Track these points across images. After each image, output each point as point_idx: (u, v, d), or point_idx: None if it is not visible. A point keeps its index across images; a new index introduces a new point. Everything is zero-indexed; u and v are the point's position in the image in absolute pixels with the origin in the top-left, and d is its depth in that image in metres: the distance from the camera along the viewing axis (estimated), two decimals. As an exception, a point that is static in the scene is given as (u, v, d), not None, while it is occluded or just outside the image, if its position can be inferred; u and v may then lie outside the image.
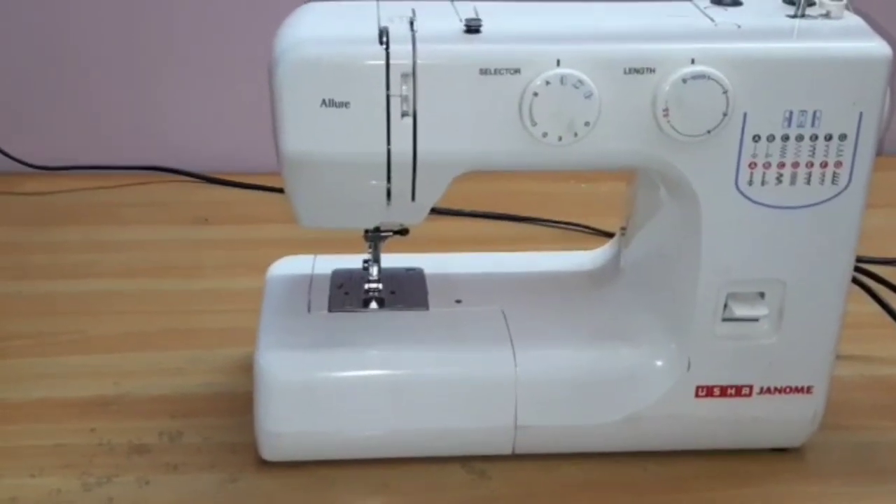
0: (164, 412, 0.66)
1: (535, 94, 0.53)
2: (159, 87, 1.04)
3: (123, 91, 1.03)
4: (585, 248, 0.71)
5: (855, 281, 0.64)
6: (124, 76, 1.03)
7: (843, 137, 0.55)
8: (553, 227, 0.93)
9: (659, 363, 0.60)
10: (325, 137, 0.53)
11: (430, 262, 0.69)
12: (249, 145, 0.95)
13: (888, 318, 0.68)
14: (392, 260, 0.68)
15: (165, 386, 0.69)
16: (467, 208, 0.94)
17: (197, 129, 1.05)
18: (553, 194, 0.97)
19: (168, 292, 0.81)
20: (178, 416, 0.66)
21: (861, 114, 0.54)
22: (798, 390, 0.60)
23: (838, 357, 0.60)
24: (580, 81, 0.52)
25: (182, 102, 1.04)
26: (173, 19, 1.01)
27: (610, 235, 0.71)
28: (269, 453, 0.61)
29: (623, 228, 0.66)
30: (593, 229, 0.91)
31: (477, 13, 0.55)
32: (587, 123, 0.53)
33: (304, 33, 0.54)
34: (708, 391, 0.60)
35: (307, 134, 0.53)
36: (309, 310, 0.64)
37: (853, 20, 0.56)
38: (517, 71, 0.53)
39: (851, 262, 0.58)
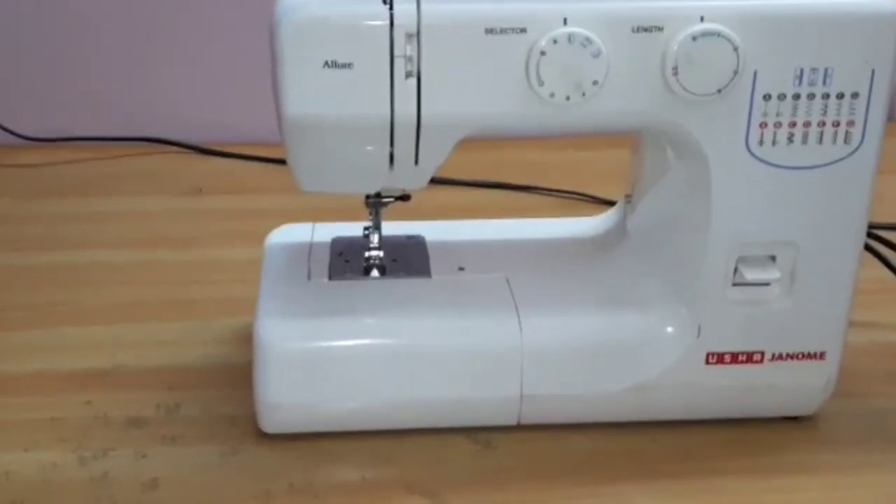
0: (162, 384, 0.65)
1: (543, 54, 0.51)
2: (153, 57, 1.02)
3: (117, 62, 1.02)
4: (585, 216, 0.70)
5: (866, 247, 0.63)
6: (119, 47, 1.01)
7: (855, 96, 0.53)
8: (553, 195, 0.92)
9: (669, 330, 0.59)
10: (327, 100, 0.52)
11: (432, 230, 0.68)
12: (244, 116, 0.94)
13: (898, 285, 0.67)
14: (393, 228, 0.66)
15: (162, 357, 0.68)
16: (469, 178, 0.92)
17: (191, 99, 1.04)
18: (552, 163, 0.97)
19: (164, 263, 0.80)
20: (176, 387, 0.64)
21: (873, 71, 0.53)
22: (811, 356, 0.59)
23: (850, 324, 0.59)
24: (588, 40, 0.51)
25: (176, 73, 1.03)
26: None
27: (611, 204, 0.70)
28: (269, 425, 0.60)
29: (628, 196, 0.65)
30: (593, 197, 0.90)
31: (481, -29, 0.54)
32: (595, 83, 0.52)
33: (304, -7, 0.52)
34: (718, 358, 0.59)
35: (309, 96, 0.52)
36: (309, 278, 0.63)
37: (866, -25, 0.54)
38: (523, 30, 0.51)
39: (864, 224, 0.57)
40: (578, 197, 0.91)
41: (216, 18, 1.00)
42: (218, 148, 1.00)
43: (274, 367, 0.58)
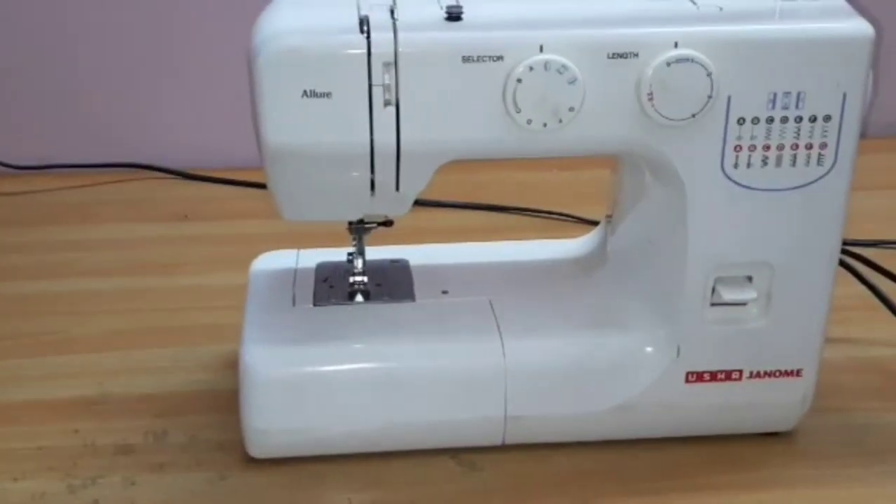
0: (149, 411, 0.65)
1: (519, 81, 0.52)
2: (135, 83, 1.02)
3: (99, 88, 1.02)
4: (570, 237, 0.71)
5: (841, 263, 0.64)
6: (102, 73, 1.02)
7: (827, 118, 0.54)
8: (537, 216, 0.93)
9: (649, 350, 0.60)
10: (306, 129, 0.53)
11: (416, 254, 0.69)
12: (228, 140, 0.94)
13: (875, 300, 0.68)
14: (377, 252, 0.67)
15: (150, 385, 0.68)
16: (451, 199, 0.93)
17: (175, 124, 1.04)
18: (535, 184, 0.97)
19: (150, 290, 0.80)
20: (164, 414, 0.65)
21: (845, 94, 0.54)
22: (788, 374, 0.60)
23: (826, 340, 0.60)
24: (564, 67, 0.52)
25: (159, 98, 1.03)
26: (150, 15, 1.00)
27: (594, 224, 0.71)
28: (256, 450, 0.60)
29: (608, 216, 0.66)
30: (577, 218, 0.91)
31: (458, 0, 0.55)
32: (572, 109, 0.53)
33: (282, 23, 0.53)
34: (698, 377, 0.60)
35: (288, 126, 0.53)
36: (294, 304, 0.63)
37: (835, 0, 0.56)
38: (500, 58, 0.52)
39: (838, 244, 0.58)
40: (563, 218, 0.92)
41: (200, 44, 1.01)
42: (203, 173, 1.00)
43: (260, 392, 0.59)
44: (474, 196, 0.95)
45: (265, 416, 0.59)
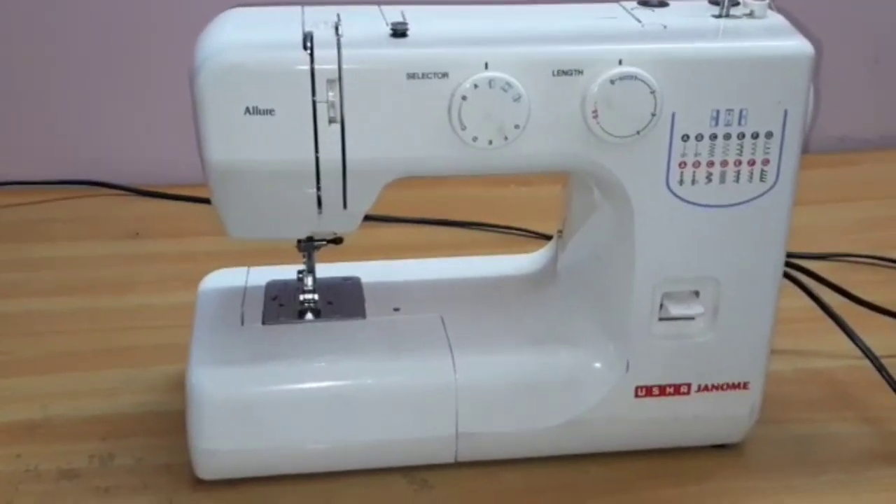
0: (95, 434, 0.64)
1: (464, 98, 0.52)
2: (83, 98, 1.01)
3: (47, 103, 1.01)
4: (526, 252, 0.71)
5: (786, 276, 0.65)
6: (51, 88, 1.00)
7: (769, 135, 0.55)
8: (493, 231, 0.93)
9: (598, 365, 0.60)
10: (250, 146, 0.52)
11: (368, 270, 0.68)
12: (179, 156, 0.93)
13: (820, 312, 0.69)
14: (328, 269, 0.67)
15: (96, 407, 0.67)
16: (406, 214, 0.93)
17: (124, 140, 1.03)
18: (492, 199, 0.97)
19: (99, 310, 0.79)
20: (110, 437, 0.64)
21: (786, 111, 0.55)
22: (735, 386, 0.61)
23: (773, 352, 0.61)
24: (508, 84, 0.52)
25: (108, 113, 1.02)
26: (97, 29, 0.99)
27: (549, 238, 0.71)
28: (204, 472, 0.59)
29: (559, 231, 0.66)
30: (533, 233, 0.91)
31: (404, 17, 0.55)
32: (517, 126, 0.53)
33: (225, 40, 0.53)
34: (647, 391, 0.60)
35: (232, 143, 0.52)
36: (242, 323, 0.62)
37: (776, 19, 0.57)
38: (445, 75, 0.52)
39: (782, 258, 0.59)
40: (520, 233, 0.92)
41: (150, 58, 1.00)
42: (154, 189, 0.99)
43: (207, 414, 0.58)
44: (430, 211, 0.94)
45: (213, 438, 0.58)
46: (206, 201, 0.94)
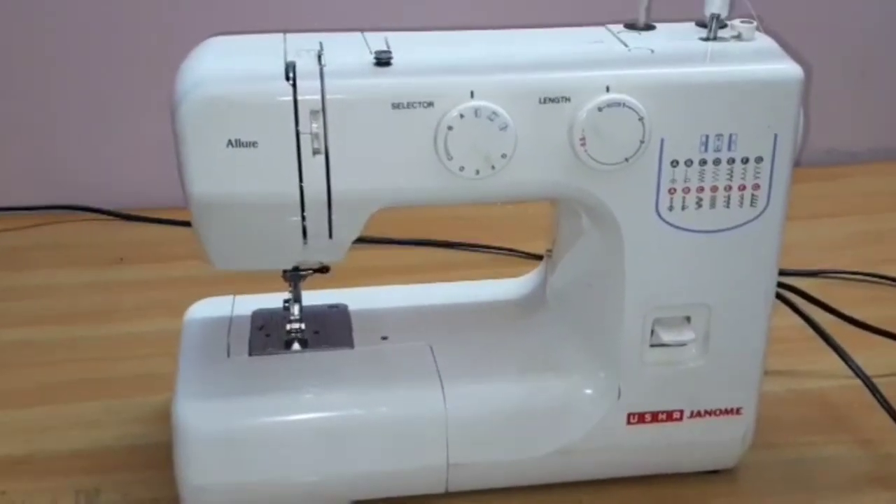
0: (80, 469, 0.63)
1: (450, 128, 0.51)
2: (65, 122, 1.00)
3: (26, 127, 1.00)
4: (515, 272, 0.71)
5: (779, 296, 0.65)
6: (34, 111, 0.99)
7: (759, 160, 0.55)
8: (482, 252, 0.92)
9: (589, 392, 0.60)
10: (232, 179, 0.51)
11: (355, 298, 0.68)
12: (163, 179, 0.92)
13: (811, 331, 0.69)
14: (314, 297, 0.66)
15: (80, 440, 0.66)
16: (394, 236, 0.92)
17: (107, 164, 1.02)
18: (481, 218, 0.96)
19: (82, 340, 0.78)
20: (95, 472, 0.63)
21: (776, 136, 0.54)
22: (728, 412, 0.60)
23: (766, 373, 0.60)
24: (495, 113, 0.51)
25: (90, 138, 1.01)
26: (78, 54, 0.98)
27: (540, 258, 0.70)
28: (192, 507, 0.58)
29: (549, 251, 0.66)
30: (523, 253, 0.90)
31: (388, 45, 0.54)
32: (504, 156, 0.52)
33: (206, 71, 0.52)
34: (639, 418, 0.60)
35: (214, 175, 0.51)
36: (228, 354, 0.61)
37: (764, 41, 0.56)
38: (430, 104, 0.51)
39: (773, 282, 0.58)
40: (509, 253, 0.91)
41: (134, 82, 0.99)
42: (138, 213, 0.98)
43: (195, 449, 0.57)
44: (418, 232, 0.94)
45: (201, 473, 0.57)
46: (190, 225, 0.94)
